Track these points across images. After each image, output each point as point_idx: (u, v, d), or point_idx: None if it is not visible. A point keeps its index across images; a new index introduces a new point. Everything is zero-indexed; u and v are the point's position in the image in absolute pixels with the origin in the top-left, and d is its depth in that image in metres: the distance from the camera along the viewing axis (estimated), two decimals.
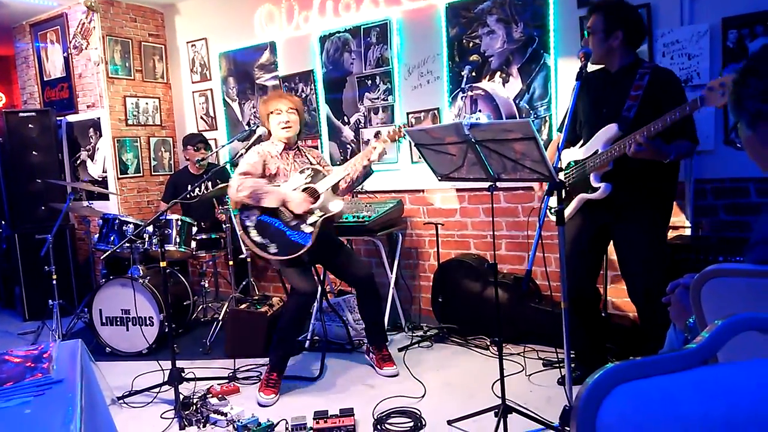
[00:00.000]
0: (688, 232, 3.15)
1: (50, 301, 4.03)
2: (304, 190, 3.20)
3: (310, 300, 3.22)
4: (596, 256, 2.83)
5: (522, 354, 3.41)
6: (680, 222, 3.18)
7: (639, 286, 2.61)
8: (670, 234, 3.12)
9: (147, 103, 5.44)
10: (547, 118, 3.58)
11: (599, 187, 2.57)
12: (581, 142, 2.73)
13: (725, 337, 0.64)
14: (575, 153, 2.72)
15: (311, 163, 3.36)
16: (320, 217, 3.13)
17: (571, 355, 2.38)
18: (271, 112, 3.27)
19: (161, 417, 2.91)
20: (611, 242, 2.79)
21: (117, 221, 4.01)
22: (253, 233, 3.23)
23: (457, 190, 4.04)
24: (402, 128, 3.24)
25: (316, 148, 4.55)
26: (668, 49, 3.12)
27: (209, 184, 4.50)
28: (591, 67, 2.59)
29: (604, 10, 2.57)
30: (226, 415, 2.77)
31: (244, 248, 4.28)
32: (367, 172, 3.35)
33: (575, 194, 2.69)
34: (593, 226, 2.72)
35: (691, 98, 2.26)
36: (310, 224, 3.13)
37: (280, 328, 3.18)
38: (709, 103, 2.16)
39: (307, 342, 3.88)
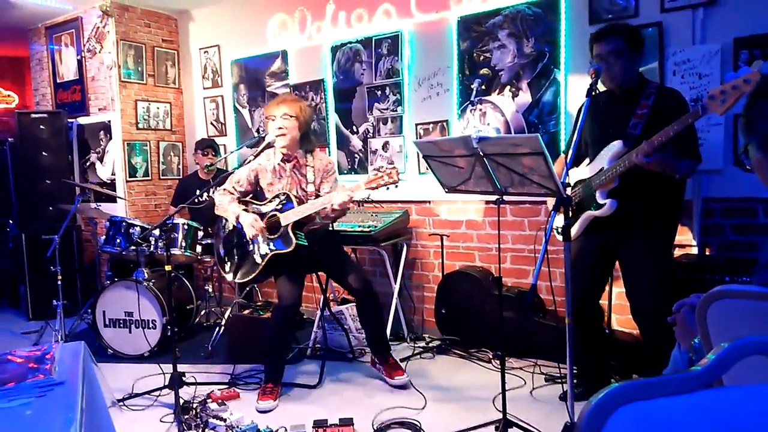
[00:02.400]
0: (694, 251, 3.14)
1: (54, 301, 4.03)
2: (270, 218, 3.12)
3: (290, 313, 3.17)
4: (601, 273, 2.82)
5: (524, 368, 3.39)
6: (687, 241, 3.16)
7: (643, 304, 2.59)
8: (677, 252, 3.11)
9: (158, 108, 5.48)
10: (557, 134, 3.58)
11: (605, 204, 2.56)
12: (587, 161, 2.72)
13: (731, 361, 0.63)
14: (581, 172, 2.72)
15: (307, 180, 3.19)
16: (271, 251, 3.08)
17: (574, 371, 2.36)
18: (267, 118, 3.19)
19: (161, 421, 2.90)
20: (617, 260, 2.78)
21: (124, 224, 4.03)
22: (220, 245, 3.33)
23: (464, 202, 4.04)
24: (393, 173, 2.91)
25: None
26: (679, 68, 3.12)
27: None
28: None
29: (623, 33, 2.55)
30: (225, 420, 2.76)
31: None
32: (343, 212, 3.03)
33: (581, 212, 2.68)
34: (598, 244, 2.71)
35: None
36: (261, 256, 3.12)
37: (267, 341, 3.19)
38: (710, 110, 2.15)
39: (309, 350, 3.86)
